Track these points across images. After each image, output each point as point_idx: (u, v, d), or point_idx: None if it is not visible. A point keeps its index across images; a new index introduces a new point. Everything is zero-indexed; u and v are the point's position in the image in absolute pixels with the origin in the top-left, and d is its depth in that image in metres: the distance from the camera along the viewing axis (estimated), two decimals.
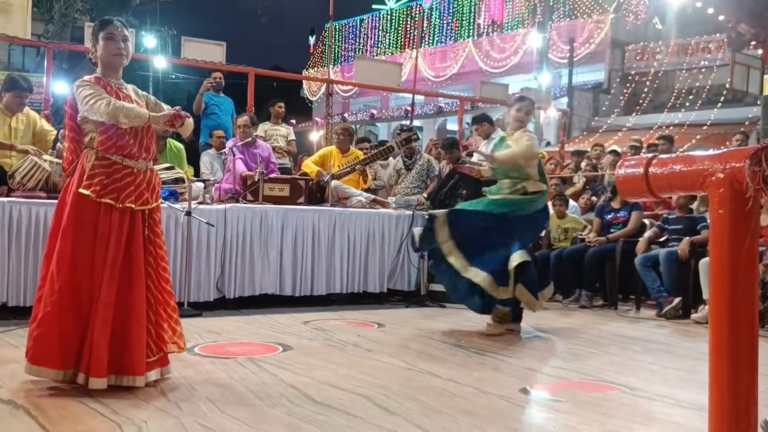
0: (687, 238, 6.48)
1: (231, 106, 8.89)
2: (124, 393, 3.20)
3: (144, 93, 3.68)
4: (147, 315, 3.36)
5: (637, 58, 22.19)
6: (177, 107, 3.53)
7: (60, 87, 20.67)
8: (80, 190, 3.27)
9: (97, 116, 3.28)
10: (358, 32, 31.19)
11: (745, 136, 9.95)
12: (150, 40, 24.68)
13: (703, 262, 6.02)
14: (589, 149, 11.02)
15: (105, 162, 3.32)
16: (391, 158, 8.36)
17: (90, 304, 3.25)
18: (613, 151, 9.86)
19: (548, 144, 20.11)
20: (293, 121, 23.02)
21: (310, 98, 30.98)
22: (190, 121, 3.54)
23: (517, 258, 4.99)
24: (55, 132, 5.93)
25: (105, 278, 3.24)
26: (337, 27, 29.69)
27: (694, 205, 6.95)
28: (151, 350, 3.35)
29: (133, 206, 3.34)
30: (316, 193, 6.85)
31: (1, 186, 5.26)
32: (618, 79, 22.35)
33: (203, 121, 8.54)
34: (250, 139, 6.93)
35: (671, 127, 17.83)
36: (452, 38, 27.06)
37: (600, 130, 20.39)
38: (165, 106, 3.59)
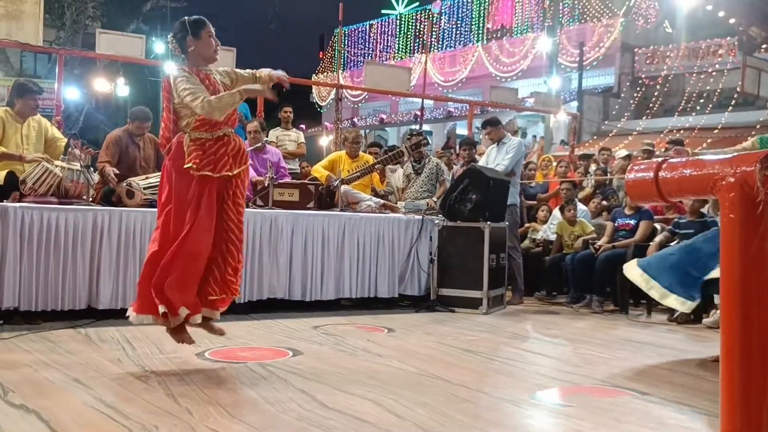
0: None
1: (245, 111, 8.87)
2: (135, 397, 3.22)
3: (224, 69, 4.17)
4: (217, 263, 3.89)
5: (648, 61, 22.14)
6: (278, 72, 4.07)
7: (71, 93, 20.86)
8: (185, 165, 3.76)
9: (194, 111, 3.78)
10: (367, 37, 31.25)
11: None
12: (160, 46, 24.80)
13: None
14: (596, 153, 11.00)
15: (199, 141, 3.82)
16: (399, 166, 8.38)
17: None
18: (626, 156, 9.82)
19: (563, 143, 20.09)
20: (303, 126, 23.08)
21: (320, 103, 31.07)
22: (278, 73, 4.08)
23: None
24: (65, 140, 5.96)
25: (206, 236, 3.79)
26: (346, 32, 29.77)
27: (705, 209, 6.91)
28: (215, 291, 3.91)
29: (230, 173, 3.85)
30: (325, 197, 6.86)
31: (12, 191, 5.28)
32: (628, 83, 22.30)
33: None
34: (259, 144, 6.95)
35: (682, 131, 17.77)
36: (462, 42, 27.08)
37: (610, 134, 20.35)
38: (242, 72, 4.20)
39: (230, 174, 3.84)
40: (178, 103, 3.82)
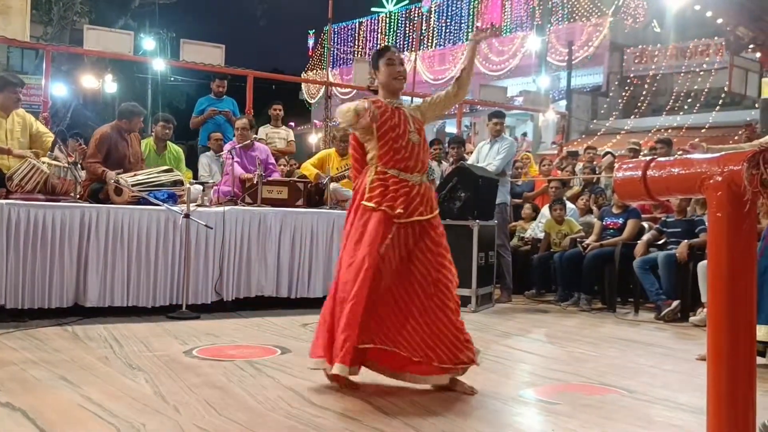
0: (685, 241, 6.48)
1: (234, 108, 8.82)
2: (122, 395, 3.20)
3: (416, 105, 3.84)
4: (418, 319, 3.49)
5: (636, 61, 22.24)
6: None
7: (59, 89, 20.72)
8: (363, 202, 3.54)
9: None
10: (357, 35, 31.22)
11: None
12: (149, 43, 24.68)
13: (702, 265, 6.02)
14: (581, 152, 11.03)
15: (383, 176, 3.56)
16: None
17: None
18: (608, 153, 9.88)
19: (553, 144, 20.15)
20: (292, 123, 23.00)
21: (309, 100, 31.01)
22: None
23: None
24: (52, 135, 5.92)
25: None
26: (336, 29, 29.71)
27: (690, 208, 6.94)
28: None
29: (403, 218, 3.51)
30: (314, 195, 6.84)
31: None
32: (617, 82, 22.39)
33: (203, 124, 8.54)
34: (247, 142, 6.90)
35: (670, 130, 17.86)
36: (451, 41, 27.09)
37: (598, 133, 20.43)
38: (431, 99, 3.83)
39: (413, 219, 3.52)
40: (362, 137, 3.65)
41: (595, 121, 21.89)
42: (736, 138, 14.50)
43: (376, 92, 3.76)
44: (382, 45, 3.91)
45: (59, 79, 19.95)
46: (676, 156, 2.28)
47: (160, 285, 5.61)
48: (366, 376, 3.59)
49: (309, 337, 4.89)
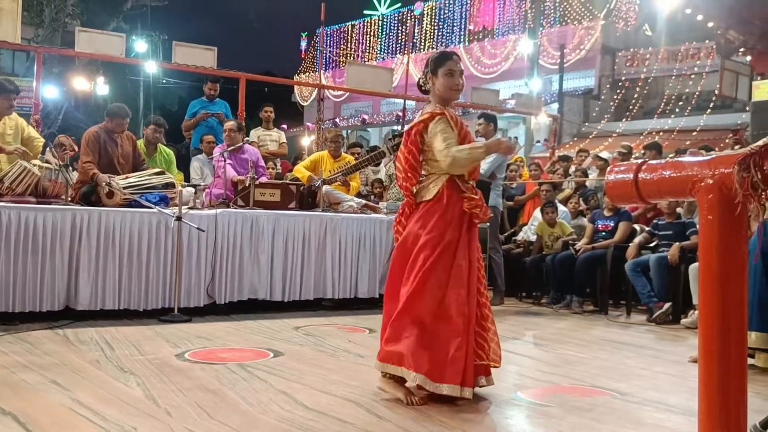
0: (677, 243, 6.50)
1: (226, 110, 8.79)
2: (113, 399, 3.19)
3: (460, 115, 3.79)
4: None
5: (627, 64, 22.33)
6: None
7: (50, 92, 20.65)
8: (433, 207, 3.49)
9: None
10: (349, 37, 31.24)
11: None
12: (141, 45, 24.64)
13: (693, 268, 6.05)
14: (574, 156, 11.06)
15: (450, 184, 3.49)
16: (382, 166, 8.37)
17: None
18: (598, 157, 9.92)
19: (538, 143, 20.19)
20: (284, 126, 22.97)
21: (302, 103, 31.00)
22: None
23: None
24: (42, 140, 5.90)
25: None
26: (328, 32, 29.73)
27: (679, 210, 6.97)
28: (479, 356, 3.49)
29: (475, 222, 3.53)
30: (307, 198, 6.84)
31: None
32: (608, 85, 22.47)
33: (196, 127, 8.52)
34: (236, 145, 6.85)
35: (661, 133, 17.92)
36: (443, 44, 27.13)
37: (590, 136, 20.49)
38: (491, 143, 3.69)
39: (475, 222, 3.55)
40: (428, 146, 3.50)
41: (586, 123, 21.96)
42: (727, 140, 14.58)
43: (426, 92, 3.66)
44: (443, 52, 3.70)
45: (50, 81, 19.90)
46: (668, 158, 2.29)
47: (152, 288, 5.59)
48: (361, 378, 3.58)
49: (301, 339, 4.89)
